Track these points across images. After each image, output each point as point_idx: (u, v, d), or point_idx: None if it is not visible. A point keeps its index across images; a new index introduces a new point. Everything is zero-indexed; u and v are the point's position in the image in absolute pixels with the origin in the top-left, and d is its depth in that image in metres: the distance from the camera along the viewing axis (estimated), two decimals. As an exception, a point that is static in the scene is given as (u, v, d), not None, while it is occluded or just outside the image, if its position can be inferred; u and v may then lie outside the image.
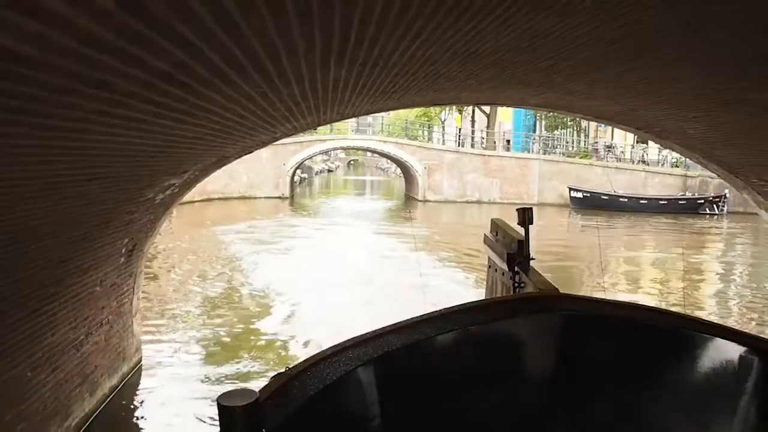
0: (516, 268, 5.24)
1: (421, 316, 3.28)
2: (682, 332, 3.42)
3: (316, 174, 68.05)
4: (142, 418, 6.49)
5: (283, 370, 2.66)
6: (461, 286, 12.68)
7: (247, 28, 1.93)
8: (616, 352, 3.52)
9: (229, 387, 6.98)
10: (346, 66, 2.98)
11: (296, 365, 2.74)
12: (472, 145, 40.87)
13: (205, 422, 6.20)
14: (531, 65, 3.73)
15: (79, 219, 4.45)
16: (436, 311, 3.32)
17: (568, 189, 31.80)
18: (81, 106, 2.18)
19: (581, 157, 35.87)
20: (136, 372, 7.36)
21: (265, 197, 32.40)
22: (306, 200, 38.04)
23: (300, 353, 8.27)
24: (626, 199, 30.26)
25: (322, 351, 2.91)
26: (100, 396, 6.32)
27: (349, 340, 2.98)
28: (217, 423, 1.98)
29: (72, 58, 1.70)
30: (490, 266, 6.82)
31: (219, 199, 30.25)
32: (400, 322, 3.20)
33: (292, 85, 3.07)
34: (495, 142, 40.56)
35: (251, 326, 9.76)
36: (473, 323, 3.33)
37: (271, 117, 4.01)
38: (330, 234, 21.92)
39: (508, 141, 43.46)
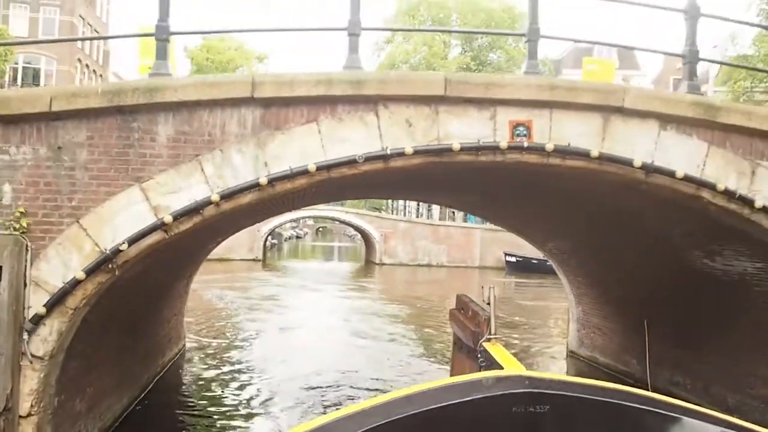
0: (482, 346, 5.45)
1: (385, 396, 3.44)
2: (648, 412, 3.50)
3: (286, 240, 74.00)
4: (194, 362, 12.45)
5: None
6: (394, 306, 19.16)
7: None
8: None
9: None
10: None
11: None
12: (429, 216, 47.62)
13: (216, 381, 12.14)
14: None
15: (190, 260, 10.57)
16: (400, 392, 3.49)
17: (504, 254, 38.29)
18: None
19: (519, 227, 42.62)
20: (184, 348, 13.31)
21: (240, 259, 38.36)
22: (276, 262, 44.23)
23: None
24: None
25: None
26: (174, 352, 12.29)
27: (310, 422, 3.18)
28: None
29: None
30: (455, 342, 7.13)
31: (201, 259, 36.42)
32: (362, 404, 3.36)
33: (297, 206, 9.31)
34: (454, 212, 47.38)
35: (244, 327, 15.80)
36: (438, 403, 3.41)
37: (277, 211, 10.20)
38: (294, 283, 28.45)
39: (464, 211, 50.30)
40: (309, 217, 55.62)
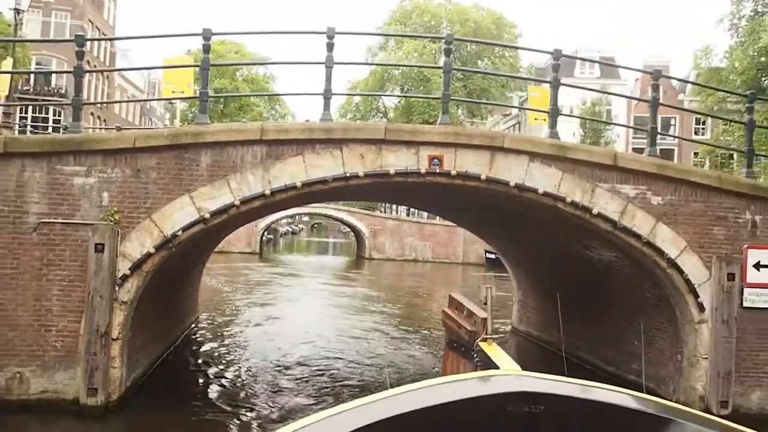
0: (477, 346, 5.67)
1: (378, 395, 3.49)
2: (642, 413, 3.60)
3: (281, 236, 77.64)
4: (207, 327, 16.08)
5: None
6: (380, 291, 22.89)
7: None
8: None
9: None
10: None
11: None
12: (417, 214, 51.21)
13: (229, 327, 15.77)
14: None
15: (207, 248, 14.14)
16: (394, 390, 3.55)
17: (484, 252, 41.91)
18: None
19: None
20: (198, 317, 16.93)
21: (239, 252, 42.02)
22: (272, 255, 47.99)
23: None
24: (528, 260, 40.45)
25: None
26: (191, 320, 15.89)
27: (302, 420, 3.18)
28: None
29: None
30: (448, 343, 7.43)
31: (203, 252, 40.34)
32: (355, 402, 3.40)
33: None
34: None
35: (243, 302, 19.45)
36: (434, 401, 3.47)
37: (278, 209, 13.74)
38: (288, 272, 32.30)
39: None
40: (304, 213, 59.33)
